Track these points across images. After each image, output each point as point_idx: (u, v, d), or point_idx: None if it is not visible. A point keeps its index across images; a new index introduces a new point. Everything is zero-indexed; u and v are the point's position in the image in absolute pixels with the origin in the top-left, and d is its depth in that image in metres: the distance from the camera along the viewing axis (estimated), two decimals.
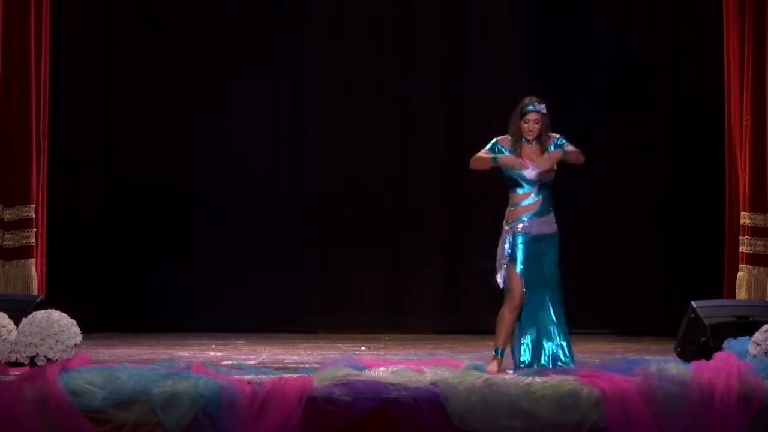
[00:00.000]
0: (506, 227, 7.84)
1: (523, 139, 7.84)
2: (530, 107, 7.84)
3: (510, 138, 7.88)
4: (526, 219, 7.79)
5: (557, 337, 7.78)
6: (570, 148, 7.87)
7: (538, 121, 7.82)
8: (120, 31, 11.53)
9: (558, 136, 7.92)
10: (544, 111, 7.85)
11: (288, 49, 11.54)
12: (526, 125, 7.82)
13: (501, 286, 7.84)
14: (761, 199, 9.83)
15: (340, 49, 11.54)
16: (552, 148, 7.84)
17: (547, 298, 7.80)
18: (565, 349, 7.77)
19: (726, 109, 10.25)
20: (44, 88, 10.18)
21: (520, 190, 7.81)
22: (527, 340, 7.76)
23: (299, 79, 11.54)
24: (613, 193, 11.40)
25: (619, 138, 11.41)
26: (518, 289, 7.73)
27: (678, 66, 11.38)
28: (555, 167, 7.85)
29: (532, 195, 7.80)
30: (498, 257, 7.86)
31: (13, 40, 9.97)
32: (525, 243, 7.77)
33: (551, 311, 7.80)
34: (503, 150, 7.87)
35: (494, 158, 7.83)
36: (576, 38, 11.48)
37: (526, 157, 7.82)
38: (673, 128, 11.41)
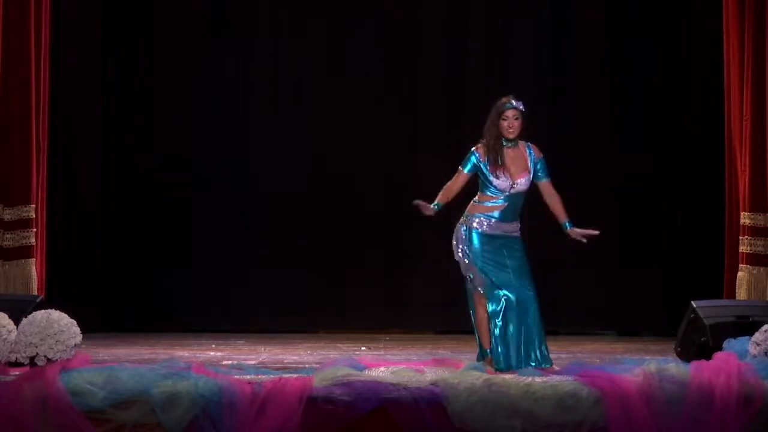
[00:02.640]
0: (462, 219, 7.84)
1: (504, 141, 7.77)
2: (508, 104, 7.75)
3: (487, 143, 7.78)
4: (485, 217, 7.77)
5: (535, 336, 7.78)
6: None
7: (518, 117, 7.75)
8: (119, 30, 11.54)
9: (541, 156, 7.86)
10: (522, 108, 7.79)
11: (288, 48, 11.55)
12: (505, 122, 7.72)
13: (471, 278, 7.80)
14: (761, 199, 9.82)
15: (340, 49, 11.55)
16: (532, 162, 7.81)
17: (523, 305, 7.77)
18: (543, 347, 7.78)
19: (726, 109, 10.25)
20: (44, 88, 10.18)
21: (489, 192, 7.80)
22: (503, 335, 7.78)
23: (299, 79, 11.55)
24: (613, 194, 11.41)
25: (619, 138, 11.42)
26: (482, 284, 7.74)
27: (678, 66, 11.39)
28: (529, 182, 7.85)
29: (500, 199, 7.80)
30: (456, 249, 7.86)
31: (13, 39, 9.97)
32: (481, 243, 7.76)
33: (527, 310, 7.78)
34: (478, 160, 7.78)
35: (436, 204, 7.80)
36: (575, 38, 11.48)
37: (503, 167, 7.76)
38: (673, 128, 11.42)
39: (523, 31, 11.55)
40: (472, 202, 7.84)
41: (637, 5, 11.48)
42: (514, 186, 7.73)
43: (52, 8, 10.41)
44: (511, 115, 7.74)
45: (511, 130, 7.74)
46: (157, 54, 11.56)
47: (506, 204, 7.76)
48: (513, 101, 7.76)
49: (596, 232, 7.83)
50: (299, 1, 11.60)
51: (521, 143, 7.83)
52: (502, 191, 7.74)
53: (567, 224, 7.83)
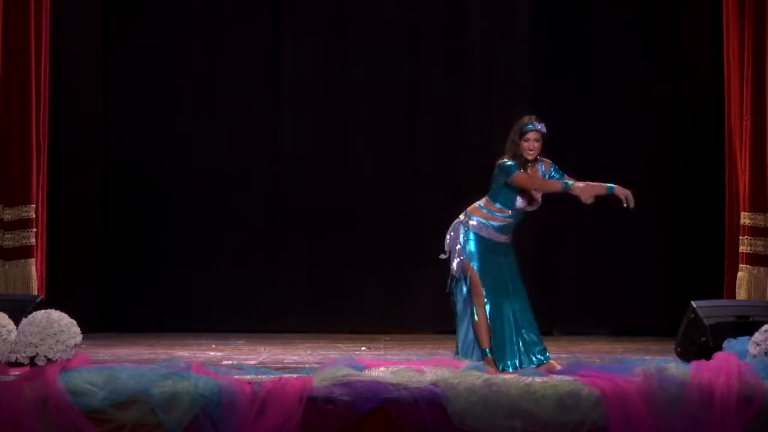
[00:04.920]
0: (462, 217, 7.85)
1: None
2: (530, 126, 7.74)
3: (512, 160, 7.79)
4: (484, 223, 7.79)
5: (532, 334, 7.81)
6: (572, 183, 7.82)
7: (539, 140, 7.75)
8: (120, 30, 11.54)
9: (550, 164, 7.88)
10: (544, 130, 7.79)
11: (288, 48, 11.55)
12: (526, 144, 7.72)
13: (455, 272, 7.82)
14: (761, 199, 9.83)
15: (340, 50, 11.55)
16: (552, 175, 7.82)
17: (517, 305, 7.80)
18: (539, 346, 7.81)
19: (726, 109, 10.25)
20: (44, 88, 10.18)
21: (499, 204, 7.80)
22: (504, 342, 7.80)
23: (298, 79, 11.55)
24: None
25: (619, 138, 11.42)
26: (479, 284, 7.74)
27: (678, 66, 11.39)
28: (540, 199, 7.87)
29: (507, 214, 7.81)
30: (451, 244, 7.84)
31: (13, 40, 9.96)
32: (477, 244, 7.78)
33: (522, 318, 7.80)
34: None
35: (566, 184, 7.69)
36: (576, 39, 11.48)
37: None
38: (674, 128, 11.42)
39: (523, 31, 11.54)
40: (476, 204, 7.85)
41: (637, 5, 11.47)
42: (528, 207, 7.79)
43: (52, 8, 10.40)
44: (533, 137, 7.74)
45: (531, 152, 7.75)
46: (157, 54, 11.55)
47: (511, 220, 7.83)
48: (535, 123, 7.76)
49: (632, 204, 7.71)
50: (299, 2, 11.59)
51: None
52: (514, 209, 7.77)
53: (611, 188, 7.76)
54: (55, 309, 7.32)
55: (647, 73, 11.42)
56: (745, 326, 8.06)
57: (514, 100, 11.42)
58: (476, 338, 7.80)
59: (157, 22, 11.57)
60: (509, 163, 7.73)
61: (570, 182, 7.67)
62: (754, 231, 9.86)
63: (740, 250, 9.94)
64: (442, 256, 7.94)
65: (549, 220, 10.87)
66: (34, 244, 10.02)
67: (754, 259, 9.84)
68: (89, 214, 11.40)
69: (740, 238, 9.96)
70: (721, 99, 10.37)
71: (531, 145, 7.74)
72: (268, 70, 11.56)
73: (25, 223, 9.98)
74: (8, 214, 9.97)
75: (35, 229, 10.03)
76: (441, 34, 11.55)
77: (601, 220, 11.26)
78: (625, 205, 7.68)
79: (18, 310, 7.78)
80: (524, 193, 7.78)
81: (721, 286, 10.21)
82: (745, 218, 9.92)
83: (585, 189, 7.69)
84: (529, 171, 7.77)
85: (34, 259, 9.99)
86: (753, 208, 9.88)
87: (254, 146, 11.53)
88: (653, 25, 11.45)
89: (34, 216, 10.02)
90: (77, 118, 11.35)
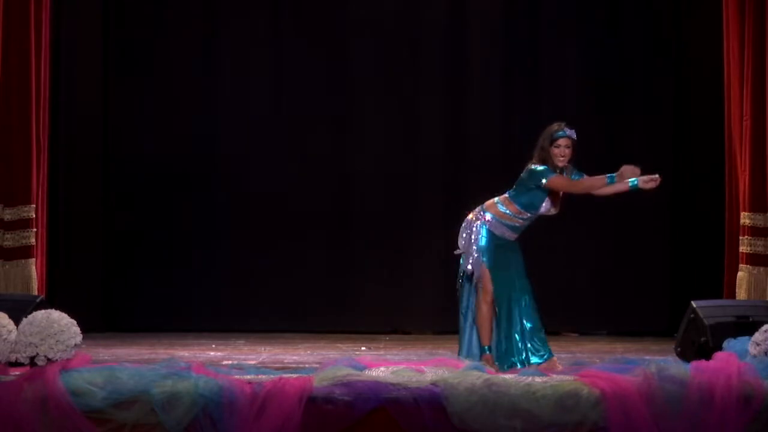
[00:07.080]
0: (477, 211, 7.84)
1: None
2: (561, 132, 7.72)
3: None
4: (499, 222, 7.78)
5: (535, 333, 7.83)
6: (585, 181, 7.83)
7: (569, 146, 7.73)
8: (120, 30, 11.54)
9: (571, 167, 7.87)
10: (575, 136, 7.77)
11: (288, 48, 11.55)
12: (557, 150, 7.70)
13: (471, 270, 7.81)
14: (761, 199, 9.83)
15: (340, 49, 11.55)
16: (573, 178, 7.82)
17: (522, 301, 7.81)
18: (542, 343, 7.84)
19: (726, 109, 10.25)
20: (44, 88, 10.18)
21: (520, 206, 7.79)
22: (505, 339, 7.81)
23: (299, 79, 11.55)
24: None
25: (619, 138, 11.42)
26: (489, 280, 7.74)
27: (678, 66, 11.39)
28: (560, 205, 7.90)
29: (527, 215, 7.81)
30: (467, 242, 7.84)
31: (13, 40, 9.97)
32: (489, 240, 7.77)
33: (526, 314, 7.81)
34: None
35: (611, 178, 7.71)
36: (576, 38, 11.49)
37: (556, 195, 7.82)
38: (674, 128, 11.42)
39: (523, 31, 11.55)
40: (494, 201, 7.83)
41: (637, 5, 11.48)
42: (550, 211, 7.79)
43: (52, 8, 10.41)
44: (564, 143, 7.73)
45: (562, 158, 7.74)
46: (157, 54, 11.56)
47: (527, 223, 7.82)
48: (566, 129, 7.74)
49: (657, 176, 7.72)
50: (300, 1, 11.59)
51: None
52: (537, 212, 7.77)
53: (633, 184, 7.75)
54: (55, 309, 7.32)
55: (647, 72, 11.42)
56: (745, 326, 8.05)
57: (514, 101, 11.43)
58: (477, 334, 7.81)
59: (158, 22, 11.57)
60: (541, 168, 7.71)
61: (614, 176, 7.65)
62: (754, 231, 9.86)
63: (740, 250, 9.94)
64: (458, 251, 7.92)
65: (549, 219, 10.88)
66: (34, 244, 10.02)
67: (754, 259, 9.84)
68: (89, 214, 11.40)
69: (740, 238, 9.96)
70: (721, 99, 10.37)
71: (562, 151, 7.72)
72: (268, 71, 11.56)
73: (25, 223, 9.99)
74: (8, 214, 9.97)
75: (35, 229, 10.03)
76: (441, 33, 11.55)
77: (601, 219, 11.26)
78: (656, 183, 7.65)
79: (18, 310, 7.77)
80: (554, 196, 7.77)
81: (721, 286, 10.21)
82: (745, 218, 9.92)
83: (613, 188, 7.76)
84: None
85: (34, 259, 10.00)
86: (753, 208, 9.88)
87: (254, 146, 11.53)
88: (653, 25, 11.46)
89: (34, 216, 10.02)
90: (77, 118, 11.35)
